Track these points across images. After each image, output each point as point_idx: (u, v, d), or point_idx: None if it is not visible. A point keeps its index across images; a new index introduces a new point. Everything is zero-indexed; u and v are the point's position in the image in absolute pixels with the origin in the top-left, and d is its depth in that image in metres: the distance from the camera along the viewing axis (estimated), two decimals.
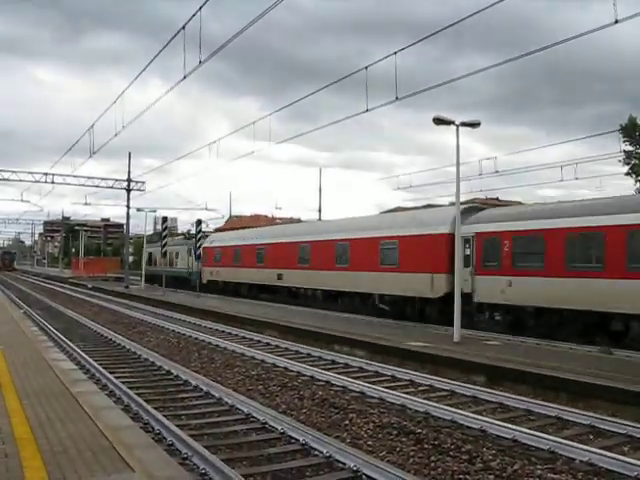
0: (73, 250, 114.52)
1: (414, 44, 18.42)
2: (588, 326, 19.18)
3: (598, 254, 19.22)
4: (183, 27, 18.25)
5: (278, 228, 46.45)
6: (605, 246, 18.85)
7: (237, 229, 61.93)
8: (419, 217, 28.29)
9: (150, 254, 57.28)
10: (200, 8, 16.74)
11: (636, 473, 7.63)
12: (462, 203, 20.38)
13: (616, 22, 13.11)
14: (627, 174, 52.73)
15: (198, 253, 41.94)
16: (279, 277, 36.35)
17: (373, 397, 12.01)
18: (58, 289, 52.27)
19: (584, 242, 19.63)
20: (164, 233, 46.50)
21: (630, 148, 51.50)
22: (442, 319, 22.19)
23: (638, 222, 17.94)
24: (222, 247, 45.40)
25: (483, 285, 22.70)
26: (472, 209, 24.92)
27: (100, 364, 14.61)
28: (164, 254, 45.85)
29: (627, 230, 18.23)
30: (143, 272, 50.86)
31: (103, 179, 52.85)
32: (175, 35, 18.89)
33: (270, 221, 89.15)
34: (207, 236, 49.46)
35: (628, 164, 52.39)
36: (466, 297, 21.24)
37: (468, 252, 22.90)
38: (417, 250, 25.39)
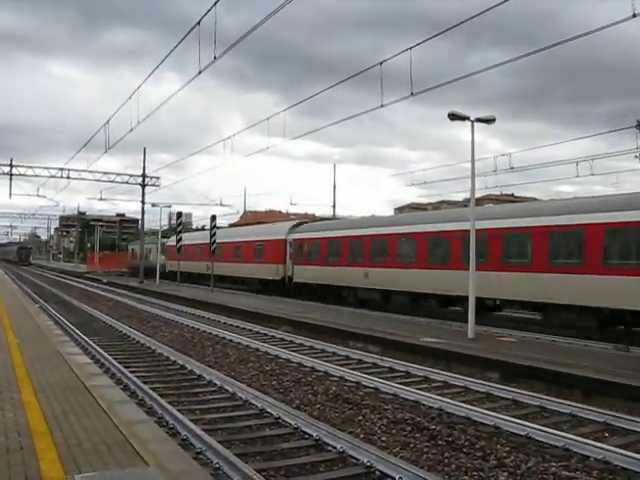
0: (88, 245, 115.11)
1: (429, 39, 18.31)
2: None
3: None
4: (198, 22, 18.23)
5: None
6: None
7: (252, 224, 62.06)
8: (272, 228, 45.37)
9: (132, 250, 60.62)
10: (215, 3, 16.71)
11: None
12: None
13: (634, 16, 12.97)
14: None
15: (213, 249, 41.99)
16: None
17: (387, 393, 11.99)
18: (73, 284, 52.57)
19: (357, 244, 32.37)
20: (179, 228, 46.61)
21: None
22: (282, 293, 37.21)
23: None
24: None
25: (296, 271, 37.57)
26: (299, 224, 40.71)
27: (115, 358, 14.68)
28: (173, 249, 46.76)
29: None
30: (157, 267, 51.01)
31: (118, 174, 53.01)
32: (190, 31, 18.88)
33: (285, 217, 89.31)
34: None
35: None
36: (290, 279, 38.09)
37: (291, 250, 38.28)
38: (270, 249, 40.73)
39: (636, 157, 50.10)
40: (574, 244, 20.84)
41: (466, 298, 18.96)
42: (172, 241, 52.60)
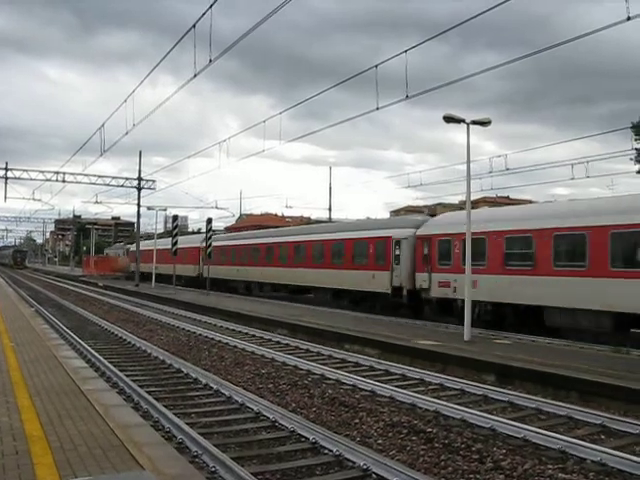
0: (84, 248, 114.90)
1: (424, 42, 18.42)
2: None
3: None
4: (194, 26, 18.27)
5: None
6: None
7: (250, 228, 62.18)
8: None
9: (107, 254, 61.41)
10: (211, 6, 16.73)
11: None
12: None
13: (628, 19, 13.02)
14: (639, 172, 52.55)
15: (209, 251, 42.03)
16: None
17: (383, 396, 11.98)
18: (69, 287, 52.49)
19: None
20: (174, 232, 46.56)
21: None
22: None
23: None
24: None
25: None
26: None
27: (110, 362, 14.65)
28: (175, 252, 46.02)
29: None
30: (154, 271, 50.95)
31: (114, 177, 53.10)
32: (185, 34, 18.91)
33: (281, 220, 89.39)
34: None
35: (639, 162, 52.18)
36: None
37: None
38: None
39: (631, 159, 50.39)
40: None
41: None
42: (134, 246, 53.69)
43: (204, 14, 17.22)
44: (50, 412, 7.64)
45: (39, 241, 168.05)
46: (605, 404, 11.40)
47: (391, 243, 29.22)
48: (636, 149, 48.58)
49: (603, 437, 9.62)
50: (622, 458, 8.06)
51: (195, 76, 20.26)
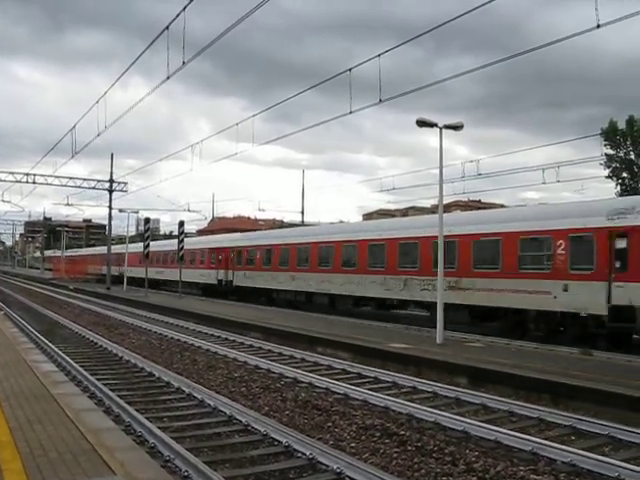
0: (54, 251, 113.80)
1: (398, 46, 18.45)
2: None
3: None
4: (167, 27, 18.15)
5: None
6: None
7: (223, 231, 62.14)
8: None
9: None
10: (184, 8, 16.64)
11: (617, 474, 7.67)
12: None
13: (598, 27, 13.18)
14: (608, 177, 53.32)
15: (181, 254, 41.79)
16: None
17: (356, 399, 11.99)
18: (39, 290, 51.85)
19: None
20: (146, 234, 46.25)
21: (611, 152, 52.12)
22: None
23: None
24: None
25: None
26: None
27: (81, 366, 14.50)
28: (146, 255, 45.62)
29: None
30: (125, 274, 50.58)
31: (85, 179, 52.68)
32: (159, 35, 18.79)
33: (253, 223, 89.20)
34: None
35: (609, 167, 52.99)
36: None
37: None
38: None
39: (601, 164, 51.07)
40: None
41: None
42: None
43: (178, 16, 17.14)
44: (19, 417, 7.54)
45: (8, 243, 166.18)
46: (575, 406, 11.51)
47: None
48: (606, 154, 49.29)
49: (573, 438, 9.72)
50: (592, 459, 8.15)
51: (168, 78, 20.12)
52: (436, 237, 19.76)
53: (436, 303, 19.05)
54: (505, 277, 21.92)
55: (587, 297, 19.11)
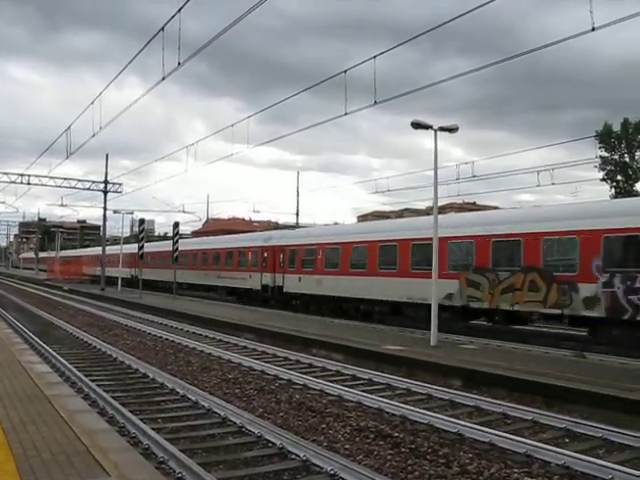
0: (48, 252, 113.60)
1: (394, 48, 18.48)
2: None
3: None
4: (162, 28, 18.17)
5: None
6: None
7: (218, 233, 62.08)
8: None
9: None
10: (180, 9, 16.65)
11: (611, 476, 7.68)
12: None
13: (593, 29, 13.22)
14: (602, 180, 53.48)
15: (176, 255, 41.69)
16: None
17: (350, 401, 11.99)
18: (33, 291, 51.73)
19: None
20: (141, 235, 46.19)
21: (605, 154, 52.30)
22: None
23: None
24: None
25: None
26: None
27: (76, 367, 14.47)
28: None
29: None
30: (120, 275, 50.50)
31: (80, 180, 52.59)
32: (154, 36, 18.80)
33: (248, 225, 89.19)
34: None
35: (603, 170, 53.16)
36: None
37: None
38: None
39: (595, 167, 51.22)
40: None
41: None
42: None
43: (173, 17, 17.14)
44: (13, 418, 7.52)
45: (3, 244, 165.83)
46: (569, 408, 11.54)
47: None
48: (600, 157, 49.45)
49: (567, 441, 9.73)
50: (586, 461, 8.15)
51: (163, 79, 20.15)
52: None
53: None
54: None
55: None
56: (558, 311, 20.28)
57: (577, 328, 22.32)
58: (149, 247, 50.33)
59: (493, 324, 23.65)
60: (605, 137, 51.47)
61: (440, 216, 20.69)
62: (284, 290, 34.54)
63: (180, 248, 42.07)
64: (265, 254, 37.23)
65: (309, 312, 30.75)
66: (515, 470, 8.03)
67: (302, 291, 33.15)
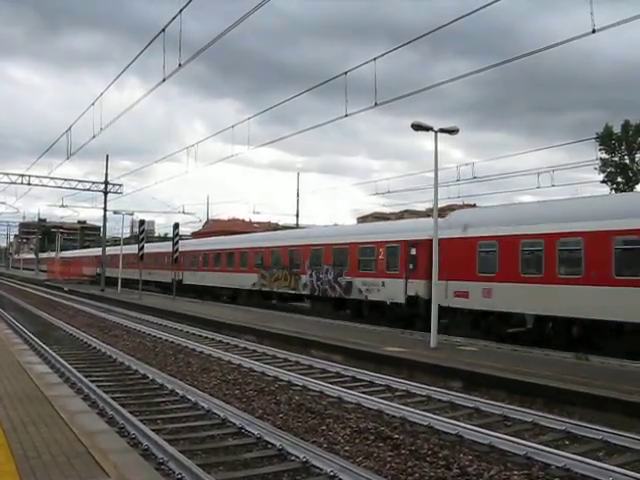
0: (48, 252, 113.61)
1: (394, 50, 18.48)
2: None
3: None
4: (163, 30, 18.16)
5: None
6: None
7: (218, 234, 61.92)
8: None
9: None
10: (180, 11, 16.65)
11: (611, 478, 7.68)
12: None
13: (593, 32, 13.21)
14: (603, 182, 53.43)
15: (176, 256, 41.70)
16: None
17: (350, 402, 11.99)
18: (33, 291, 51.70)
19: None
20: (141, 236, 46.17)
21: (606, 156, 52.26)
22: None
23: None
24: None
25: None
26: None
27: (75, 367, 14.47)
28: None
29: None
30: (120, 275, 50.47)
31: (80, 181, 52.61)
32: (155, 38, 18.80)
33: (248, 225, 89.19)
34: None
35: (604, 172, 53.13)
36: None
37: None
38: None
39: (595, 169, 51.19)
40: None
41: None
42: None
43: (174, 18, 17.14)
44: (13, 419, 7.52)
45: (3, 244, 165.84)
46: (569, 410, 11.53)
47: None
48: (601, 159, 49.42)
49: (567, 443, 9.73)
50: (586, 464, 8.16)
51: (164, 80, 20.15)
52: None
53: None
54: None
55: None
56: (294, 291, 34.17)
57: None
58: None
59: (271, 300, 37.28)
60: (605, 139, 51.44)
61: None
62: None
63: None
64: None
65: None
66: (515, 472, 8.03)
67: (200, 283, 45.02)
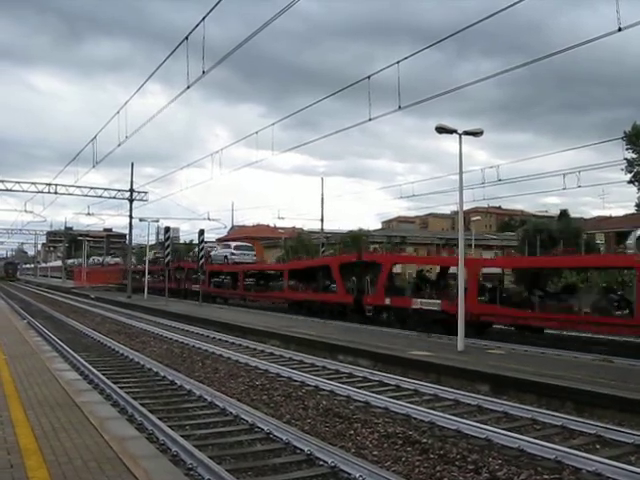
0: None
1: (418, 52, 18.46)
2: None
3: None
4: (186, 38, 18.29)
5: None
6: None
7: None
8: None
9: None
10: (203, 18, 16.76)
11: None
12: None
13: (619, 30, 13.11)
14: (630, 182, 52.69)
15: (201, 263, 41.89)
16: None
17: (378, 407, 11.96)
18: (61, 299, 52.26)
19: None
20: (167, 243, 46.50)
21: (633, 156, 51.46)
22: None
23: None
24: None
25: None
26: None
27: (104, 374, 14.60)
28: None
29: None
30: (146, 282, 50.86)
31: (106, 189, 53.10)
32: (178, 46, 18.94)
33: (273, 231, 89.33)
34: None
35: (631, 172, 52.38)
36: None
37: None
38: None
39: (622, 169, 50.55)
40: None
41: None
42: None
43: (197, 26, 17.26)
44: (44, 425, 7.59)
45: (31, 253, 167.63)
46: (599, 414, 11.41)
47: None
48: (626, 159, 48.77)
49: (598, 447, 9.62)
50: (618, 468, 8.07)
51: (188, 87, 20.30)
52: None
53: None
54: None
55: None
56: None
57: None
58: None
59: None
60: (633, 138, 50.71)
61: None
62: None
63: None
64: None
65: None
66: (545, 477, 7.97)
67: None
